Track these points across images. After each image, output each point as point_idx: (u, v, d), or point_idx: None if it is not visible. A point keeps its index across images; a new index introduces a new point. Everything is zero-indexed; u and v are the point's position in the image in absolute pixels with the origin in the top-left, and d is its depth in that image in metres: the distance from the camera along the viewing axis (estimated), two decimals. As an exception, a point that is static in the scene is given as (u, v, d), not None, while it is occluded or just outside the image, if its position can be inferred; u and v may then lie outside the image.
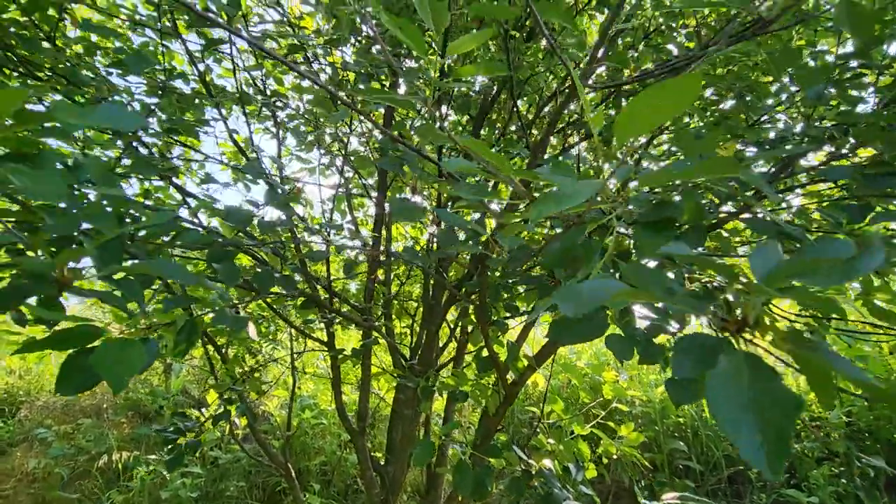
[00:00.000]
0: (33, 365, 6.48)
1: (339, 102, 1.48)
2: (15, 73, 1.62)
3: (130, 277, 0.70)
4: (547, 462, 1.33)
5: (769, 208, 1.27)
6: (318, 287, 1.76)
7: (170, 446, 1.43)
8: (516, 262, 0.87)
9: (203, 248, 1.02)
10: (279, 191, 1.11)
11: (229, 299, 0.84)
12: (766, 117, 1.50)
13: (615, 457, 1.46)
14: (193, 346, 0.76)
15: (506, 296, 1.45)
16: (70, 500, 3.74)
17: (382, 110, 1.98)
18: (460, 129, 2.47)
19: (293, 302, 1.70)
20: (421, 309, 2.46)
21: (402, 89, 2.00)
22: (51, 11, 1.46)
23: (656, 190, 0.69)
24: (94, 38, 1.65)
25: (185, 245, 1.01)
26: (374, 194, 2.50)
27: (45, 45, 1.46)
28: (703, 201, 1.06)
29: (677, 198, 0.62)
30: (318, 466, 4.13)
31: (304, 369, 5.95)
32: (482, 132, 2.21)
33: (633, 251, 0.60)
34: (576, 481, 1.25)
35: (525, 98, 2.16)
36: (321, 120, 1.99)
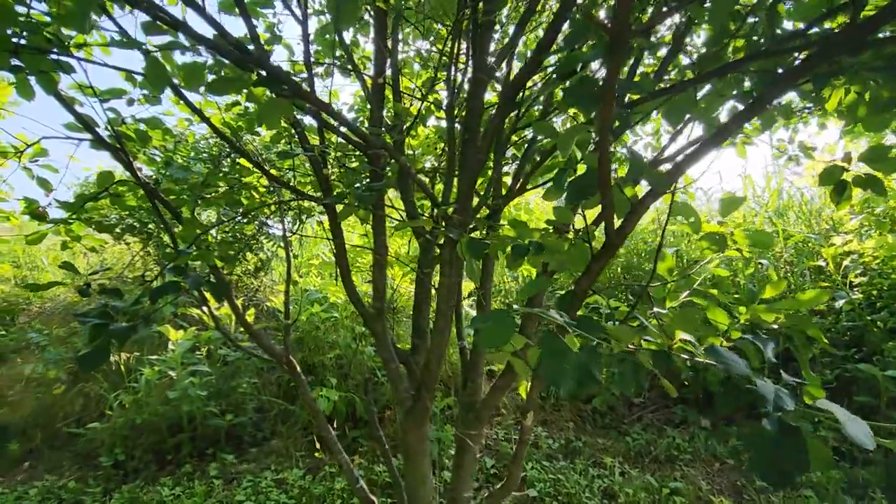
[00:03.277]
0: (28, 272, 6.19)
1: None
2: None
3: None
4: (684, 335, 0.84)
5: None
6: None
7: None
8: None
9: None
10: None
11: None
12: None
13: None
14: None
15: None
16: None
17: None
18: None
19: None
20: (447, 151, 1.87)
21: None
22: None
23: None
24: None
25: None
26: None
27: None
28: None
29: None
30: (334, 361, 3.86)
31: (301, 259, 5.54)
32: None
33: None
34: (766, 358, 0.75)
35: None
36: None
